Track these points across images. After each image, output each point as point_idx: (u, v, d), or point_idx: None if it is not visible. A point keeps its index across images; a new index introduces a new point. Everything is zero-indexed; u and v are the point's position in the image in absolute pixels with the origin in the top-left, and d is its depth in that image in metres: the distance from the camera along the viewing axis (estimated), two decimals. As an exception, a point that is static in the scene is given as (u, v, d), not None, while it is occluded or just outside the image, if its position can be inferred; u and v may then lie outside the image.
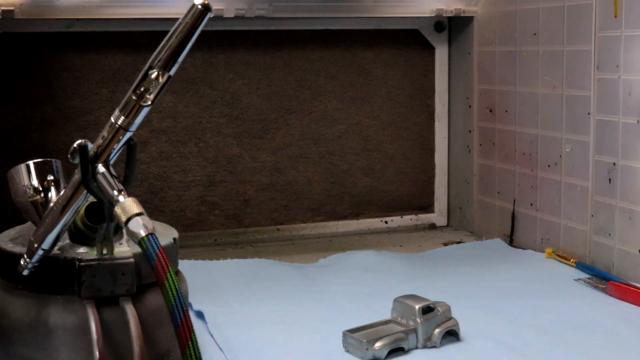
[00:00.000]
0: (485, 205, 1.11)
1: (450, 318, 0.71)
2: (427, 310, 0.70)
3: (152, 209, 1.07)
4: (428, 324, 0.70)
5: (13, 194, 0.62)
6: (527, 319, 0.76)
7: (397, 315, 0.71)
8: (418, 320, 0.69)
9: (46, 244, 0.57)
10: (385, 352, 0.67)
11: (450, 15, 1.12)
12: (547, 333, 0.72)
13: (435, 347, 0.70)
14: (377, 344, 0.67)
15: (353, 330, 0.69)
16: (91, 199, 0.57)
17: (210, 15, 0.51)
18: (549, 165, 0.98)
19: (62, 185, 0.61)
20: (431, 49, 1.18)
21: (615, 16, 0.86)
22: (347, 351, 0.69)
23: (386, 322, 0.71)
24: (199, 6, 0.50)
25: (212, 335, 0.73)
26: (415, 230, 1.18)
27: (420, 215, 1.20)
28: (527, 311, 0.78)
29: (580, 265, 0.91)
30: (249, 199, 1.12)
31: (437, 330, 0.70)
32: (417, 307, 0.70)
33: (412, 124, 1.19)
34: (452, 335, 0.71)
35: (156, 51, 0.52)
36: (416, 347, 0.69)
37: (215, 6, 0.51)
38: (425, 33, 1.17)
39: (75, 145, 0.54)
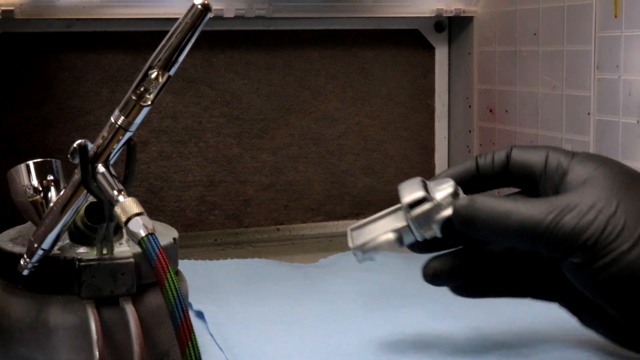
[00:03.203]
0: (485, 205, 1.11)
1: (455, 199, 0.63)
2: (418, 203, 0.63)
3: (152, 209, 1.07)
4: (421, 216, 0.63)
5: (13, 194, 0.62)
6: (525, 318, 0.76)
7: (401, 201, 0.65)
8: (408, 216, 0.63)
9: (46, 244, 0.57)
10: (375, 256, 0.64)
11: (450, 15, 1.13)
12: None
13: (436, 236, 0.64)
14: (367, 247, 0.64)
15: (356, 228, 0.66)
16: (91, 198, 0.57)
17: (210, 15, 0.51)
18: (549, 165, 0.98)
19: (62, 185, 0.61)
20: (431, 49, 1.18)
21: (615, 16, 0.86)
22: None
23: (395, 211, 0.65)
24: (199, 6, 0.50)
25: (212, 335, 0.73)
26: (415, 230, 1.18)
27: (420, 215, 1.20)
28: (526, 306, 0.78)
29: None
30: (249, 199, 1.12)
31: (436, 218, 0.63)
32: (404, 202, 0.63)
33: (412, 124, 1.19)
34: None
35: (156, 51, 0.52)
36: (416, 240, 0.64)
37: (215, 6, 0.51)
38: (425, 33, 1.17)
39: (75, 145, 0.54)
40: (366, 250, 0.65)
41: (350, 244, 0.66)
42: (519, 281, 0.67)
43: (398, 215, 0.65)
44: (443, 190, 0.63)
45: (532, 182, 0.64)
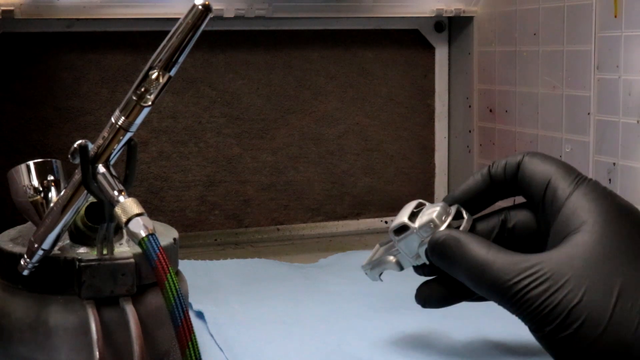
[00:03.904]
0: (485, 205, 1.11)
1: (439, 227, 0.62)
2: (401, 230, 0.63)
3: (152, 209, 1.07)
4: (407, 243, 0.63)
5: (13, 194, 0.62)
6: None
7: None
8: (396, 244, 0.63)
9: (46, 244, 0.57)
10: (378, 277, 0.67)
11: (450, 15, 1.12)
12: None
13: (425, 263, 0.64)
14: (372, 266, 0.67)
15: (384, 242, 0.66)
16: (91, 199, 0.57)
17: (211, 15, 0.51)
18: (549, 165, 0.98)
19: (62, 185, 0.61)
20: (431, 49, 1.18)
21: (615, 16, 0.86)
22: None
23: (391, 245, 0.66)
24: (200, 7, 0.50)
25: (212, 336, 0.73)
26: (415, 230, 1.18)
27: (420, 215, 1.20)
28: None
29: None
30: (249, 199, 1.12)
31: (421, 249, 0.62)
32: (390, 229, 0.63)
33: (412, 124, 1.19)
34: None
35: (156, 52, 0.52)
36: (411, 265, 0.65)
37: (215, 6, 0.51)
38: (425, 33, 1.17)
39: (75, 145, 0.54)
40: (373, 269, 0.67)
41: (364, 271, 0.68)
42: None
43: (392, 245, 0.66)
44: (426, 216, 0.62)
45: (532, 203, 0.63)
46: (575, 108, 0.93)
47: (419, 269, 0.65)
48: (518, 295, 0.55)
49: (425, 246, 0.61)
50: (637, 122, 0.85)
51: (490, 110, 1.10)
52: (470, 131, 1.15)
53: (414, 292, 0.70)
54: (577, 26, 0.92)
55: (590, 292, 0.54)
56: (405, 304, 0.79)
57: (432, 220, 0.61)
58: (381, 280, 0.67)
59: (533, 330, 0.56)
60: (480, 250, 0.57)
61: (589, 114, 0.91)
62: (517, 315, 0.56)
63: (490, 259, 0.57)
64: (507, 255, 0.57)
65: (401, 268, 0.65)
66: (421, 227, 0.61)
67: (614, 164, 0.88)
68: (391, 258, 0.65)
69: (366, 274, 0.68)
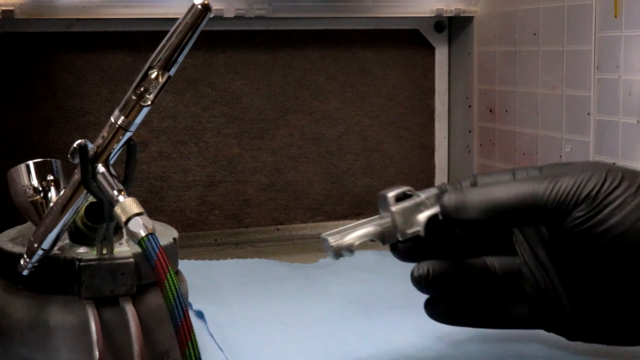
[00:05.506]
0: (485, 205, 1.11)
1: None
2: (403, 197, 0.61)
3: (152, 209, 1.07)
4: (406, 211, 0.61)
5: (13, 194, 0.62)
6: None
7: (380, 209, 0.63)
8: (392, 209, 0.61)
9: (46, 244, 0.57)
10: (353, 252, 0.60)
11: (450, 15, 1.13)
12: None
13: (419, 235, 0.60)
14: (346, 240, 0.60)
15: (332, 233, 0.61)
16: (91, 199, 0.57)
17: (210, 15, 0.51)
18: (549, 165, 0.98)
19: (62, 185, 0.61)
20: (431, 49, 1.18)
21: (615, 16, 0.86)
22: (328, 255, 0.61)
23: (372, 219, 0.63)
24: (199, 6, 0.50)
25: (212, 336, 0.73)
26: (415, 230, 1.18)
27: (420, 215, 1.20)
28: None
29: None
30: (249, 199, 1.12)
31: (420, 215, 0.60)
32: (389, 195, 0.61)
33: (412, 124, 1.19)
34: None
35: (156, 51, 0.52)
36: (397, 240, 0.61)
37: (215, 6, 0.51)
38: (425, 33, 1.17)
39: (75, 145, 0.54)
40: (343, 238, 0.60)
41: (329, 242, 0.60)
42: (502, 309, 0.65)
43: (376, 219, 0.62)
44: (428, 191, 0.62)
45: None
46: (575, 108, 0.93)
47: (400, 249, 0.63)
48: (550, 184, 0.57)
49: (429, 214, 0.60)
50: (637, 122, 0.85)
51: (490, 110, 1.10)
52: (470, 131, 1.15)
53: (415, 292, 0.70)
54: (577, 26, 0.92)
55: (614, 167, 0.58)
56: (405, 304, 0.79)
57: (437, 193, 0.61)
58: (350, 254, 0.61)
59: (574, 211, 0.56)
60: (494, 183, 0.60)
61: (589, 114, 0.91)
62: (554, 207, 0.57)
63: (509, 182, 0.59)
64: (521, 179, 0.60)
65: (383, 241, 0.62)
66: (428, 197, 0.61)
67: (614, 164, 0.88)
68: (370, 229, 0.61)
69: (330, 247, 0.60)
